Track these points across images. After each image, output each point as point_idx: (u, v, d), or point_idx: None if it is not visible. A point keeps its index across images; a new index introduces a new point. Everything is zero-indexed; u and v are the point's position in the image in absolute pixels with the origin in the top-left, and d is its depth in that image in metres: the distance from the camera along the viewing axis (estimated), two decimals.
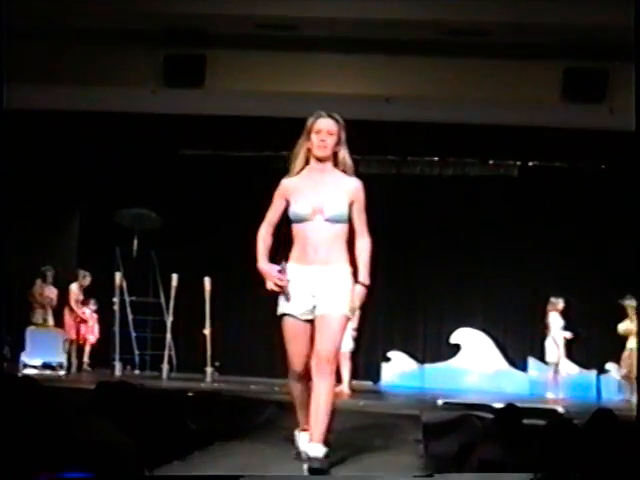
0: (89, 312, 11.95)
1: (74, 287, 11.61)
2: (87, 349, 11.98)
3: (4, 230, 7.75)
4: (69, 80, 9.51)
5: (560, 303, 11.17)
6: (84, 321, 11.84)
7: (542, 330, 11.31)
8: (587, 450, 3.55)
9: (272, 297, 4.39)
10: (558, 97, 9.38)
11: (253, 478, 3.50)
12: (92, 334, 11.97)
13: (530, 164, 12.21)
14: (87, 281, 11.72)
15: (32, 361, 10.69)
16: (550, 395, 10.96)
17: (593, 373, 11.60)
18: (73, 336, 11.50)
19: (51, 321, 11.43)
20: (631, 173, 8.71)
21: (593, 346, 11.74)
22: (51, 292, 11.51)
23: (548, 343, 11.20)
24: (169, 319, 11.47)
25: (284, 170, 4.50)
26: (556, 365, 11.16)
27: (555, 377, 11.16)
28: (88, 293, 11.91)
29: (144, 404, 4.24)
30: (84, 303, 11.90)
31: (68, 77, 9.48)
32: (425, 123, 10.58)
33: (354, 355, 10.14)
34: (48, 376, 9.85)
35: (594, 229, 11.78)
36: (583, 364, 11.64)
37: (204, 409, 5.16)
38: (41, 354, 10.89)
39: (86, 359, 11.97)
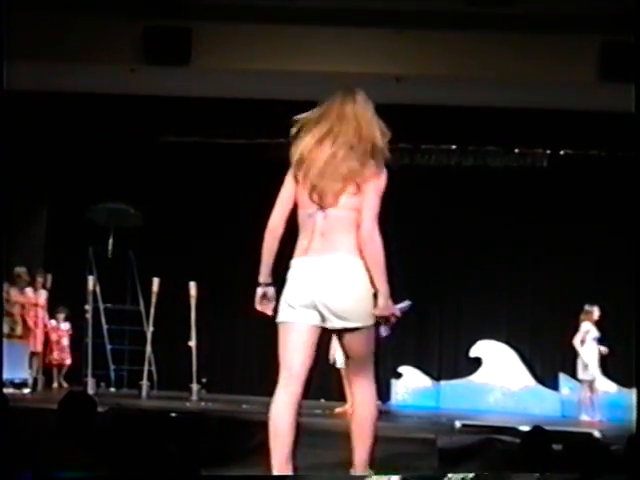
0: (55, 324, 11.90)
1: (29, 291, 11.56)
2: (56, 372, 11.95)
3: None
4: (32, 56, 9.45)
5: (595, 312, 11.16)
6: (49, 331, 11.82)
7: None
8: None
9: None
10: (595, 76, 9.37)
11: (252, 477, 3.52)
12: (63, 353, 11.94)
13: (562, 153, 12.19)
14: (47, 284, 11.67)
15: None
16: (584, 417, 10.95)
17: (634, 392, 11.58)
18: (37, 348, 11.47)
19: (20, 331, 11.36)
20: None
21: (634, 361, 11.73)
22: (22, 297, 11.42)
23: (581, 358, 11.19)
24: (149, 329, 11.47)
25: (280, 159, 4.47)
26: (591, 383, 11.16)
27: (590, 396, 11.15)
28: (57, 300, 11.89)
29: (119, 426, 4.23)
30: (53, 313, 11.88)
31: (31, 52, 9.41)
32: (441, 106, 10.58)
33: None
34: (11, 395, 9.83)
35: (636, 227, 11.75)
36: (622, 382, 11.62)
37: (189, 432, 5.16)
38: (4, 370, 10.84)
39: (55, 384, 11.94)
